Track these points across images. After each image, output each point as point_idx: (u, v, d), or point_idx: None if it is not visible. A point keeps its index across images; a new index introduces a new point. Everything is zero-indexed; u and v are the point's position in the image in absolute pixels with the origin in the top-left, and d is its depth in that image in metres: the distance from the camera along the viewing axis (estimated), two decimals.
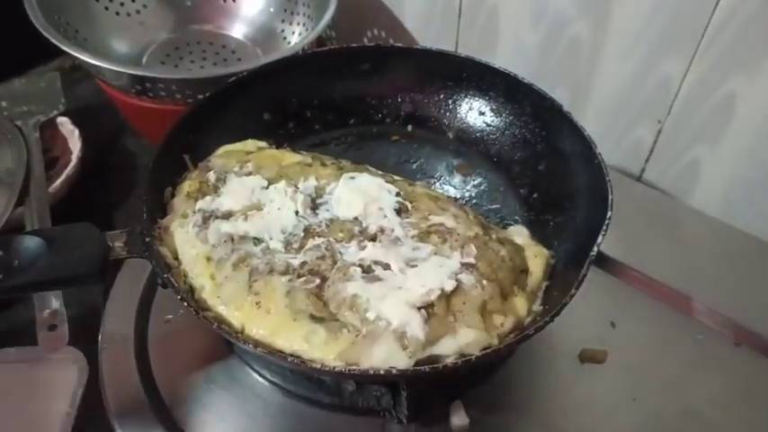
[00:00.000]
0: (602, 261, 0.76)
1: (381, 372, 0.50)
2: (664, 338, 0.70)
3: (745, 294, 0.74)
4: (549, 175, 0.72)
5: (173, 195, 0.65)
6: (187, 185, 0.65)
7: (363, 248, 0.59)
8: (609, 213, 0.59)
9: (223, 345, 0.67)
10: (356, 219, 0.62)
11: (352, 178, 0.65)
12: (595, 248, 0.57)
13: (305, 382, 0.63)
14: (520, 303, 0.59)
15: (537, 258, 0.64)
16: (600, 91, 0.89)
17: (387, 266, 0.58)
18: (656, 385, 0.66)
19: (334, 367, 0.51)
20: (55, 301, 0.70)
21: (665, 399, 0.65)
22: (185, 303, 0.53)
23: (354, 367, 0.51)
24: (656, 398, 0.65)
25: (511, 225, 0.71)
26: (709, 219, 0.84)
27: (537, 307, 0.60)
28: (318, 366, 0.51)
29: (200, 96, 0.78)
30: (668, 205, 0.86)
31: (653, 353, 0.69)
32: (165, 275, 0.55)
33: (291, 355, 0.52)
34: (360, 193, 0.63)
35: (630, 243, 0.77)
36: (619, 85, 0.87)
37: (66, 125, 0.96)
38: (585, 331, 0.69)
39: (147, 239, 0.57)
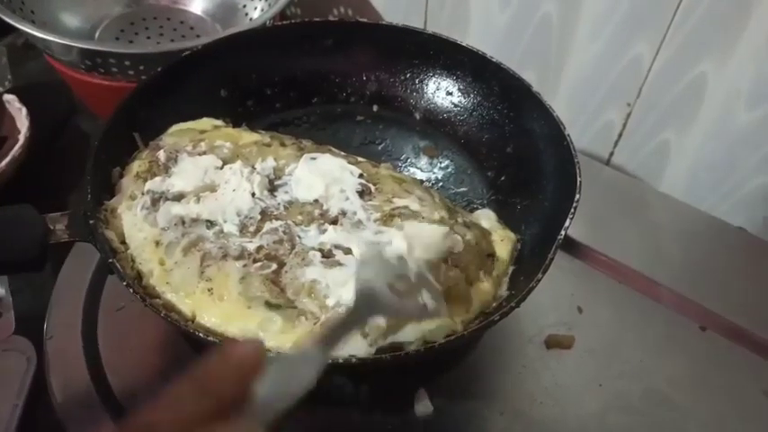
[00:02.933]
0: (570, 245, 0.74)
1: (340, 360, 0.48)
2: (630, 323, 0.69)
3: (710, 279, 0.73)
4: (517, 158, 0.71)
5: (121, 176, 0.62)
6: (137, 165, 0.61)
7: (324, 232, 0.56)
8: (577, 196, 0.58)
9: (178, 334, 0.64)
10: (316, 201, 0.59)
11: (313, 159, 0.62)
12: (563, 232, 0.56)
13: None
14: (485, 289, 0.57)
15: (503, 243, 0.62)
16: (570, 73, 0.87)
17: (348, 251, 0.55)
18: (622, 370, 0.65)
19: None
20: (0, 288, 0.67)
21: (631, 383, 0.64)
22: (131, 290, 0.50)
23: None
24: (623, 382, 0.64)
25: (478, 209, 0.69)
26: (677, 203, 0.83)
27: (503, 292, 0.58)
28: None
29: None
30: (636, 189, 0.85)
31: (619, 337, 0.68)
32: (110, 260, 0.52)
33: None
34: (321, 175, 0.60)
35: (598, 227, 0.76)
36: (589, 67, 0.85)
37: (13, 103, 0.91)
38: (552, 316, 0.68)
39: (92, 222, 0.54)
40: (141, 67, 0.76)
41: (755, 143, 0.77)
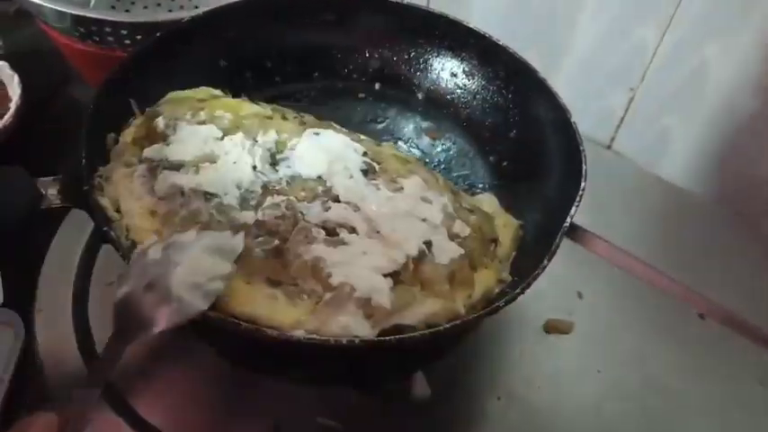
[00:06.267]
0: (570, 230, 0.73)
1: (344, 341, 0.47)
2: (630, 309, 0.69)
3: (710, 266, 0.73)
4: (521, 143, 0.69)
5: (116, 142, 0.59)
6: (132, 131, 0.59)
7: (327, 209, 0.55)
8: (583, 184, 0.57)
9: None
10: (320, 178, 0.58)
11: (317, 134, 0.61)
12: (569, 220, 0.55)
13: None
14: (488, 274, 0.56)
15: (506, 228, 0.61)
16: (573, 56, 0.86)
17: (353, 230, 0.54)
18: (621, 356, 0.65)
19: (291, 336, 0.47)
20: None
21: (629, 370, 0.64)
22: (127, 260, 0.48)
23: (314, 336, 0.47)
24: (621, 369, 0.64)
25: (479, 193, 0.68)
26: (678, 189, 0.83)
27: (506, 278, 0.57)
28: (275, 335, 0.47)
29: None
30: (637, 174, 0.85)
31: (619, 324, 0.68)
32: (105, 228, 0.50)
33: (246, 322, 0.48)
34: (324, 151, 0.59)
35: (598, 212, 0.76)
36: (592, 50, 0.84)
37: (4, 70, 0.88)
38: (551, 301, 0.68)
39: (86, 188, 0.52)
40: (137, 37, 0.74)
41: (759, 130, 0.77)
